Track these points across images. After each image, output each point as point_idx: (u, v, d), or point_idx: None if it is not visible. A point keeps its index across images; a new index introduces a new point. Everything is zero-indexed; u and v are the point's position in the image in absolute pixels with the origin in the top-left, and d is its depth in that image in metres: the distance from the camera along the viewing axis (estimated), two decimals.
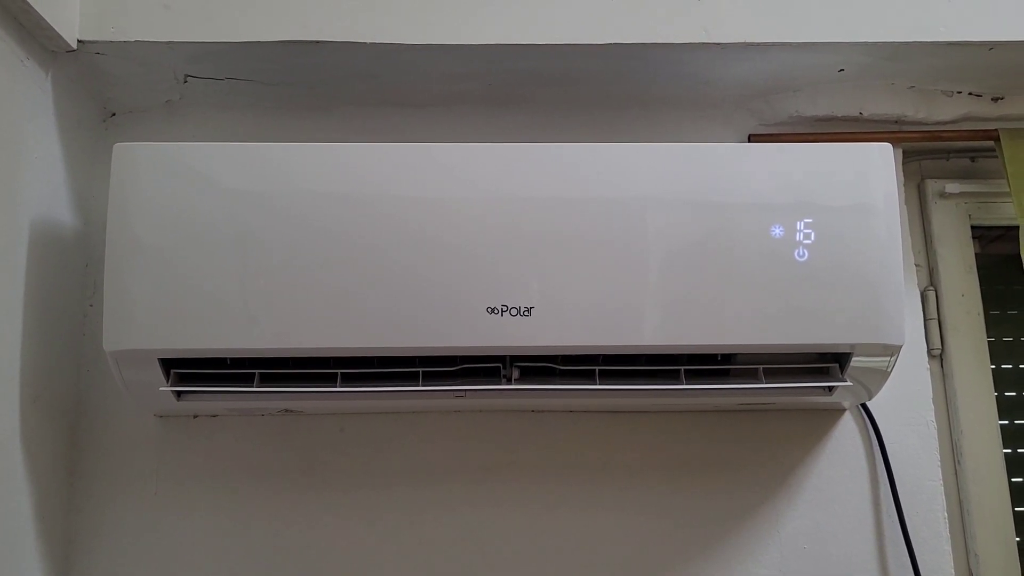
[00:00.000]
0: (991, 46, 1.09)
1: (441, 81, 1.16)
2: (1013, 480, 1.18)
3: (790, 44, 1.07)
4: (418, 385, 0.97)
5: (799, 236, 0.94)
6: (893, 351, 0.96)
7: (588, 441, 1.13)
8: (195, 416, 1.11)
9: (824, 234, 0.94)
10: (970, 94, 1.20)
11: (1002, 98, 1.20)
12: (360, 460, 1.11)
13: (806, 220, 0.95)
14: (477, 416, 1.13)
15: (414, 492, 1.11)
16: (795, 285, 0.94)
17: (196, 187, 0.94)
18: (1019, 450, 1.24)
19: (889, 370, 0.99)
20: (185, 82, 1.13)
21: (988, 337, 1.22)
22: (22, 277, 0.98)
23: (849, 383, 0.98)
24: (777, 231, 0.95)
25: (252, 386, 0.96)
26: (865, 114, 1.19)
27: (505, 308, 0.92)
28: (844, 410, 1.14)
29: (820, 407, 1.13)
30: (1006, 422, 1.22)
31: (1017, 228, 1.12)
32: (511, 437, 1.13)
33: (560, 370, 0.98)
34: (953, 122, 1.21)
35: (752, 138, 1.21)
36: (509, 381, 0.98)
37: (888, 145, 0.98)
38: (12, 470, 0.96)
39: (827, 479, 1.12)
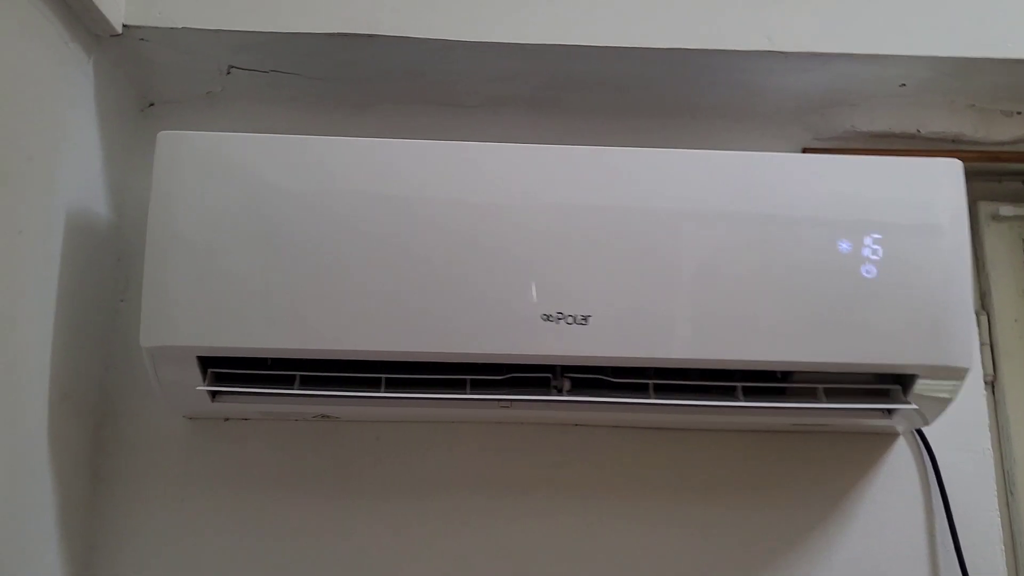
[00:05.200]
0: None
1: (487, 81, 1.13)
2: None
3: (855, 55, 1.05)
4: (465, 393, 0.93)
5: (867, 252, 0.91)
6: (960, 374, 0.92)
7: (633, 457, 1.09)
8: (226, 419, 1.07)
9: (892, 251, 0.91)
10: None
11: None
12: (395, 470, 1.07)
13: (874, 236, 0.91)
14: (517, 428, 1.09)
15: (449, 504, 1.06)
16: (862, 302, 0.90)
17: (241, 180, 0.90)
18: None
19: (953, 396, 0.95)
20: (228, 73, 1.10)
21: None
22: (56, 270, 0.94)
23: (914, 406, 0.94)
24: (844, 246, 0.91)
25: (292, 388, 0.92)
26: (923, 131, 1.16)
27: (561, 316, 0.89)
28: (898, 435, 1.10)
29: (874, 431, 1.09)
30: None
31: None
32: (552, 451, 1.09)
33: (612, 382, 0.94)
34: (1011, 143, 1.18)
35: (806, 152, 1.18)
36: (560, 392, 0.94)
37: (957, 161, 0.94)
38: (37, 469, 0.91)
39: (880, 505, 1.08)
